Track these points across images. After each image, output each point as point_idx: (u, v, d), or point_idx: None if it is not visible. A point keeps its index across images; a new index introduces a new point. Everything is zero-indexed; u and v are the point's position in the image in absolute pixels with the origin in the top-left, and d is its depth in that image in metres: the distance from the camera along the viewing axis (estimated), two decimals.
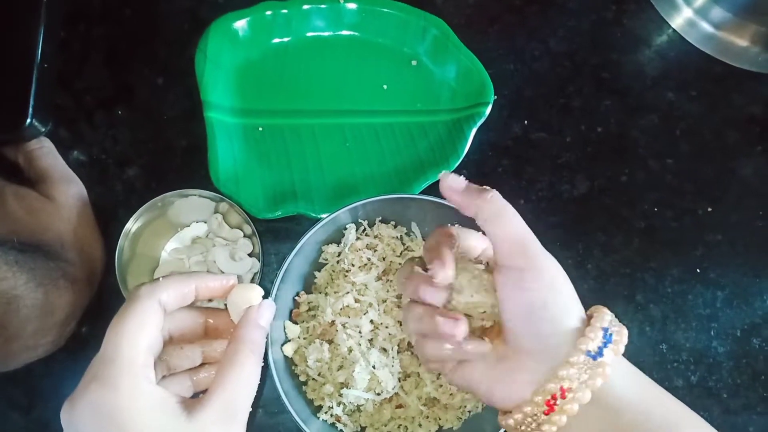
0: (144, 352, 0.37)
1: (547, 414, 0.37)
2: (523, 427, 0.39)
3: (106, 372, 0.35)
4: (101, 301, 0.59)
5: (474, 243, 0.44)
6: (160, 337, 0.41)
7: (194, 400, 0.37)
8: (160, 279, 0.40)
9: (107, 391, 0.34)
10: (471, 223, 0.42)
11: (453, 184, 0.41)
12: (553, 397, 0.37)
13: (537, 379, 0.38)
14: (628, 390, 0.38)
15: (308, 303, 0.57)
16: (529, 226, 0.56)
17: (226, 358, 0.39)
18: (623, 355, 0.39)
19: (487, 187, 0.41)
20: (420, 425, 0.55)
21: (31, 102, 0.57)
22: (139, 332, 0.37)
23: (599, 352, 0.37)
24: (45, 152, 0.59)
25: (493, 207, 0.40)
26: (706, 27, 0.71)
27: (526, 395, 0.38)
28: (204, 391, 0.39)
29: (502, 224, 0.40)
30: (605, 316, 0.39)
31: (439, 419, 0.56)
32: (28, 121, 0.57)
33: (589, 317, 0.40)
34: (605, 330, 0.38)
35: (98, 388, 0.35)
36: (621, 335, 0.39)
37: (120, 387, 0.35)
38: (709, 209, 0.65)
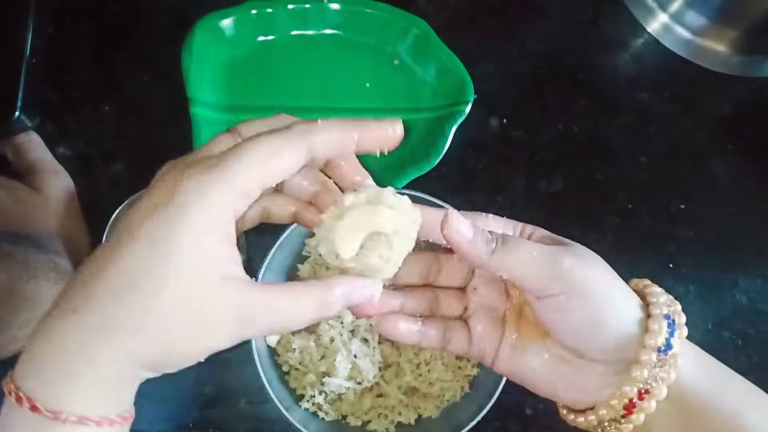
0: (272, 175, 0.31)
1: (626, 416, 0.36)
2: (599, 429, 0.37)
3: (219, 167, 0.30)
4: None
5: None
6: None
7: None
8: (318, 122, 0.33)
9: (207, 178, 0.29)
10: None
11: (464, 231, 0.35)
12: (631, 401, 0.35)
13: (609, 382, 0.36)
14: (697, 376, 0.36)
15: None
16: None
17: (310, 285, 0.34)
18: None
19: (489, 235, 0.36)
20: (400, 414, 0.57)
21: (20, 96, 0.58)
22: (282, 156, 0.31)
23: (668, 345, 0.35)
24: (33, 145, 0.60)
25: (502, 253, 0.35)
26: (681, 31, 0.73)
27: (600, 397, 0.37)
28: None
29: (518, 262, 0.35)
30: (660, 297, 0.37)
31: (419, 408, 0.57)
32: (16, 114, 0.58)
33: (643, 298, 0.38)
34: (667, 318, 0.36)
35: (199, 173, 0.30)
36: (679, 315, 0.37)
37: (221, 185, 0.29)
38: (682, 206, 0.67)
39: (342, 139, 0.33)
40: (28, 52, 0.60)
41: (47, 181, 0.58)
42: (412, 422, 0.57)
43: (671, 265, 0.66)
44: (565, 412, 0.39)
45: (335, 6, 0.67)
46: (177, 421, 0.60)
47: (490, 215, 0.40)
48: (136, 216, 0.30)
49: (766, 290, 0.66)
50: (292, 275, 0.59)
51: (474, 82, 0.66)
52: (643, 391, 0.35)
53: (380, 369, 0.57)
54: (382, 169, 0.64)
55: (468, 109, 0.66)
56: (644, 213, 0.67)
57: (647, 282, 0.39)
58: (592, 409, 0.37)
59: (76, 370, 0.29)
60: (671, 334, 0.35)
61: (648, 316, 0.36)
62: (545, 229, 0.40)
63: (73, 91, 0.65)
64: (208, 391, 0.61)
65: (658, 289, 0.38)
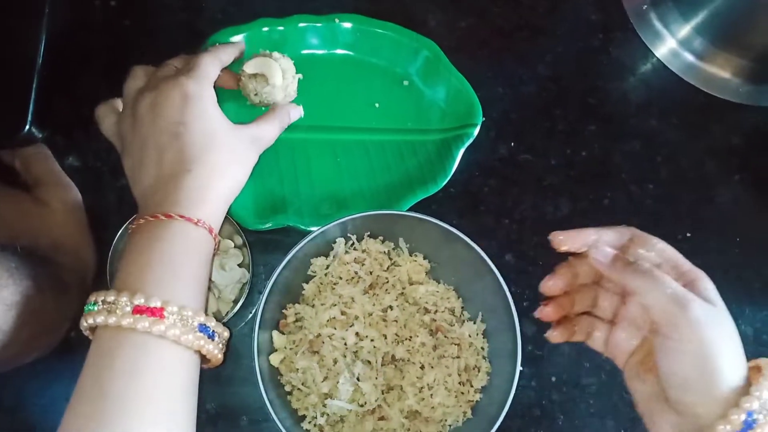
0: (215, 74, 0.56)
1: None
2: None
3: (196, 73, 0.52)
4: None
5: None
6: None
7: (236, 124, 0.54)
8: (217, 47, 0.60)
9: (195, 82, 0.52)
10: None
11: (601, 258, 0.45)
12: None
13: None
14: None
15: (295, 314, 0.58)
16: (513, 245, 0.59)
17: (268, 114, 0.59)
18: None
19: (631, 262, 0.44)
20: None
21: (31, 108, 0.58)
22: (218, 64, 0.56)
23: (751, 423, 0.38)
24: (42, 157, 0.60)
25: (645, 277, 0.42)
26: (689, 57, 0.73)
27: None
28: None
29: (657, 292, 0.41)
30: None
31: None
32: (27, 127, 0.58)
33: (755, 372, 0.41)
34: (749, 414, 0.38)
35: (188, 79, 0.51)
36: None
37: (203, 83, 0.52)
38: (688, 234, 0.67)
39: (233, 54, 0.61)
40: (39, 64, 0.60)
41: (55, 193, 0.59)
42: None
43: None
44: None
45: (347, 25, 0.67)
46: None
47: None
48: (177, 116, 0.51)
49: None
50: (296, 294, 0.59)
51: (483, 104, 0.66)
52: None
53: (382, 392, 0.56)
54: (390, 190, 0.65)
55: (476, 131, 0.66)
56: None
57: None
58: None
59: (206, 198, 0.49)
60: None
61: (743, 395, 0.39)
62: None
63: (83, 104, 0.65)
64: (209, 408, 0.60)
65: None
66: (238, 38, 0.65)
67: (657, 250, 0.45)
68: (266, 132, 0.57)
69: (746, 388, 0.39)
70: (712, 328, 0.39)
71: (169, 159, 0.49)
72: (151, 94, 0.51)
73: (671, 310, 0.40)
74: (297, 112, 0.62)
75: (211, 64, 0.54)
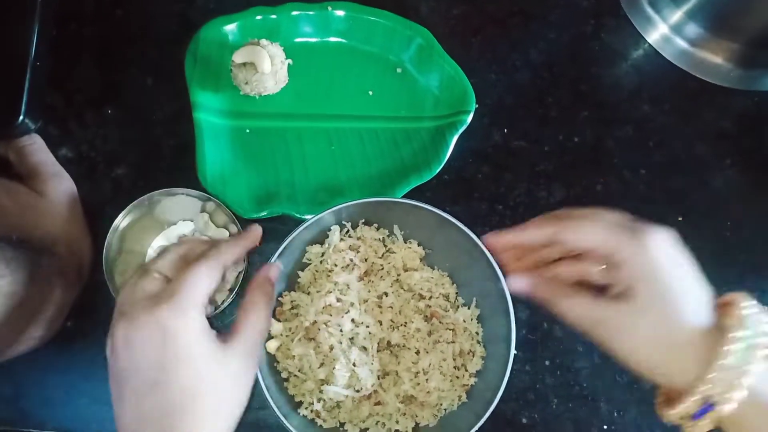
0: (206, 294, 0.44)
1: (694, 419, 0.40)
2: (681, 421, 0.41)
3: (176, 301, 0.42)
4: (88, 297, 0.60)
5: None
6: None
7: (224, 334, 0.45)
8: (222, 246, 0.48)
9: (175, 315, 0.41)
10: None
11: (517, 289, 0.47)
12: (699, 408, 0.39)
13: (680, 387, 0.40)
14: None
15: (291, 302, 0.59)
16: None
17: (247, 305, 0.47)
18: None
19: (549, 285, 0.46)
20: (397, 422, 0.57)
21: (24, 99, 0.58)
22: (207, 281, 0.44)
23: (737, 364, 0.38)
24: (36, 149, 0.60)
25: (572, 218, 0.44)
26: (681, 43, 0.73)
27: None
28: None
29: (595, 226, 0.43)
30: (744, 313, 0.41)
31: (416, 416, 0.57)
32: (20, 118, 0.58)
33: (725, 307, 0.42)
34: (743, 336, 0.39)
35: (168, 311, 0.41)
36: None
37: (186, 314, 0.42)
38: (680, 219, 0.68)
39: (239, 252, 0.49)
40: (32, 55, 0.60)
41: (50, 184, 0.59)
42: (410, 430, 0.57)
43: None
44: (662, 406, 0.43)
45: (340, 13, 0.67)
46: None
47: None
48: (154, 359, 0.41)
49: (765, 304, 0.66)
50: (292, 282, 0.60)
51: (476, 91, 0.67)
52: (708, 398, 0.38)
53: (378, 377, 0.57)
54: (385, 178, 0.65)
55: (470, 118, 0.66)
56: None
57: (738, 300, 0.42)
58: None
59: None
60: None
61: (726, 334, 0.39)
62: None
63: (76, 94, 0.65)
64: None
65: (746, 303, 0.42)
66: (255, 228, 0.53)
67: (583, 239, 0.44)
68: (255, 335, 0.47)
69: (719, 333, 0.40)
70: (655, 267, 0.41)
71: (149, 406, 0.41)
72: (126, 325, 0.42)
73: (610, 255, 0.42)
74: (274, 269, 0.52)
75: (201, 284, 0.44)
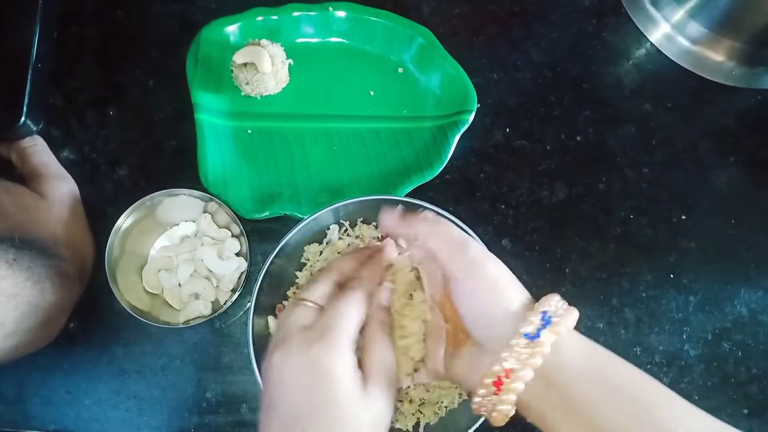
0: (356, 327, 0.45)
1: (497, 394, 0.41)
2: (483, 409, 0.43)
3: (327, 339, 0.43)
4: (90, 298, 0.60)
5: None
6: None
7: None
8: (363, 273, 0.49)
9: (326, 352, 0.42)
10: None
11: (389, 217, 0.48)
12: (499, 378, 0.41)
13: (487, 363, 0.42)
14: (574, 365, 0.40)
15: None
16: (509, 230, 0.59)
17: (367, 343, 0.46)
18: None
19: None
20: (398, 420, 0.57)
21: (26, 101, 0.59)
22: (357, 314, 0.45)
23: (537, 334, 0.40)
24: (38, 150, 0.60)
25: (427, 222, 0.46)
26: (683, 42, 0.73)
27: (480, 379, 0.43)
28: None
29: (439, 236, 0.46)
30: (549, 301, 0.43)
31: (417, 414, 0.57)
32: (22, 119, 0.58)
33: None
34: (544, 313, 0.41)
35: (320, 349, 0.42)
36: (565, 317, 0.42)
37: (337, 352, 0.42)
38: (683, 217, 0.68)
39: (381, 272, 0.50)
40: (33, 57, 0.60)
41: (51, 185, 0.59)
42: (410, 429, 0.57)
43: (672, 276, 0.66)
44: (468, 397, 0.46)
45: (341, 13, 0.67)
46: (178, 427, 0.60)
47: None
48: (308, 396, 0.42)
49: (767, 301, 0.66)
50: (289, 281, 0.59)
51: (477, 91, 0.67)
52: (507, 369, 0.40)
53: None
54: (387, 177, 0.65)
55: (471, 118, 0.66)
56: (646, 223, 0.67)
57: (552, 294, 0.44)
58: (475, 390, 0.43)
59: None
60: (543, 326, 0.41)
61: (529, 311, 0.42)
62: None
63: (78, 96, 0.66)
64: (210, 397, 0.61)
65: (554, 299, 0.43)
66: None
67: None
68: (387, 371, 0.46)
69: (533, 304, 0.43)
70: (493, 263, 0.44)
71: None
72: (282, 355, 0.44)
73: (461, 249, 0.44)
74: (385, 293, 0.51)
75: (351, 318, 0.45)
